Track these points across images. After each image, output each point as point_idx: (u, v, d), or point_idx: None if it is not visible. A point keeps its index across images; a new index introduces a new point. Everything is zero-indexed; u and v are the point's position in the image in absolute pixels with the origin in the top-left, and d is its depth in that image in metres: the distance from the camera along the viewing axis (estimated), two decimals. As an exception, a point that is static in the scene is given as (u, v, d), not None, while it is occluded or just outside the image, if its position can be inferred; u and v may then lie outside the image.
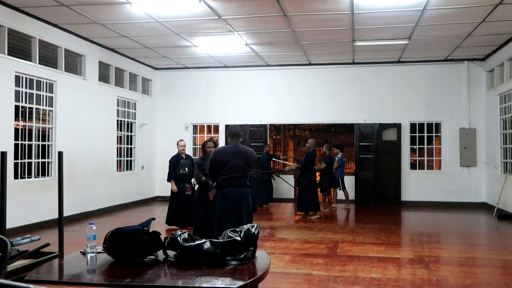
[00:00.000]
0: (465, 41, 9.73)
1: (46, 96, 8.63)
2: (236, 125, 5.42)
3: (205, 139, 12.75)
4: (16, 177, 7.86)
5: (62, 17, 8.20)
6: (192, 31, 9.10)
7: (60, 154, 4.01)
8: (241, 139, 5.16)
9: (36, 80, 8.36)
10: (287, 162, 16.39)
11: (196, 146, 13.07)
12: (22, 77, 8.01)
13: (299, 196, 9.88)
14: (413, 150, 12.47)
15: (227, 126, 12.75)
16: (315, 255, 6.11)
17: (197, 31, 9.09)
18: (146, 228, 2.99)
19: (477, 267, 5.92)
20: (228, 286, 2.41)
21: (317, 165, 10.42)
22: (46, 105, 8.65)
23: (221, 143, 12.87)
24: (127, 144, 11.85)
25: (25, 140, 8.15)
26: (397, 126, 11.98)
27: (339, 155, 11.19)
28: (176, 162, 8.38)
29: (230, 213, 4.85)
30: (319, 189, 10.55)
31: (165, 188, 12.61)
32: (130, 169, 12.01)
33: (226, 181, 4.87)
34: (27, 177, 8.24)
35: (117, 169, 11.25)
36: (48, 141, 8.77)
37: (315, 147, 10.11)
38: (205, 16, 8.02)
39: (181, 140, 8.70)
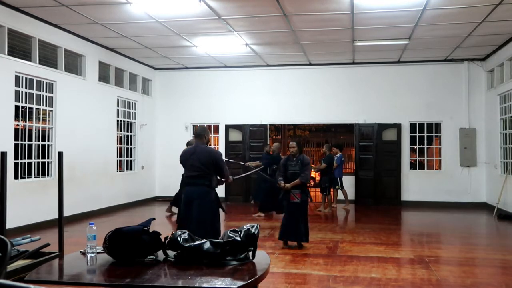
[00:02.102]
0: (465, 41, 9.73)
1: (46, 96, 8.62)
2: (202, 126, 5.55)
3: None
4: (16, 177, 7.86)
5: (62, 17, 8.20)
6: (192, 31, 9.10)
7: (60, 154, 4.01)
8: (204, 140, 5.17)
9: (36, 80, 8.36)
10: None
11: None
12: (22, 77, 8.01)
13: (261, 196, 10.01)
14: (413, 150, 12.47)
15: (227, 126, 12.81)
16: (315, 255, 6.11)
17: (197, 31, 9.09)
18: (146, 228, 2.99)
19: (477, 267, 5.92)
20: (228, 286, 2.41)
21: (317, 165, 10.44)
22: (46, 105, 8.64)
23: (221, 143, 12.90)
24: (127, 144, 11.85)
25: (25, 140, 8.15)
26: (397, 126, 11.98)
27: (338, 155, 11.20)
28: None
29: (184, 210, 5.06)
30: (318, 189, 10.55)
31: (165, 188, 12.65)
32: (130, 169, 12.00)
33: (186, 179, 5.18)
34: (27, 177, 8.24)
35: (117, 169, 11.25)
36: (48, 141, 8.76)
37: (279, 150, 10.32)
38: (205, 16, 8.02)
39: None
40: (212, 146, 13.13)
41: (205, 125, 13.02)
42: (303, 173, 6.35)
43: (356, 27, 8.72)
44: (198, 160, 5.00)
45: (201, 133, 5.20)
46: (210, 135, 12.99)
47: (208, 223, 4.91)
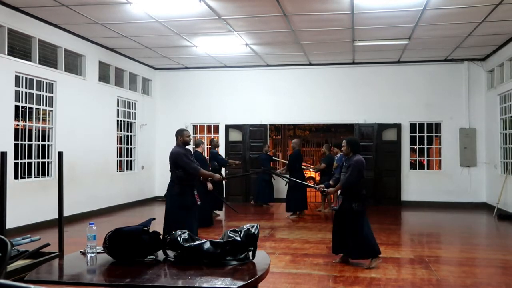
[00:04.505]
0: (465, 41, 9.73)
1: (46, 96, 8.62)
2: (179, 128, 5.95)
3: (205, 139, 12.86)
4: (16, 177, 7.86)
5: (62, 17, 8.20)
6: (192, 31, 9.10)
7: (60, 154, 4.01)
8: (179, 141, 5.74)
9: (36, 80, 8.36)
10: (286, 161, 16.24)
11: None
12: (22, 77, 8.01)
13: (288, 196, 9.86)
14: (413, 150, 12.47)
15: (227, 126, 12.80)
16: (315, 255, 6.11)
17: (197, 31, 9.09)
18: (146, 228, 3.00)
19: (477, 267, 5.92)
20: (228, 286, 2.41)
21: (317, 165, 10.43)
22: (46, 105, 8.64)
23: (221, 143, 12.88)
24: (127, 144, 11.84)
25: (25, 140, 8.15)
26: (397, 126, 11.98)
27: (338, 155, 11.17)
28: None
29: None
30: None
31: (165, 188, 12.56)
32: (130, 169, 12.00)
33: None
34: (27, 177, 8.23)
35: (117, 169, 11.25)
36: (48, 141, 8.76)
37: (299, 147, 10.19)
38: (205, 16, 8.02)
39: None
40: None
41: (207, 124, 13.09)
42: (345, 176, 5.56)
43: (356, 27, 8.72)
44: (169, 160, 5.76)
45: (176, 135, 5.80)
46: (211, 135, 13.08)
47: (171, 214, 5.63)
